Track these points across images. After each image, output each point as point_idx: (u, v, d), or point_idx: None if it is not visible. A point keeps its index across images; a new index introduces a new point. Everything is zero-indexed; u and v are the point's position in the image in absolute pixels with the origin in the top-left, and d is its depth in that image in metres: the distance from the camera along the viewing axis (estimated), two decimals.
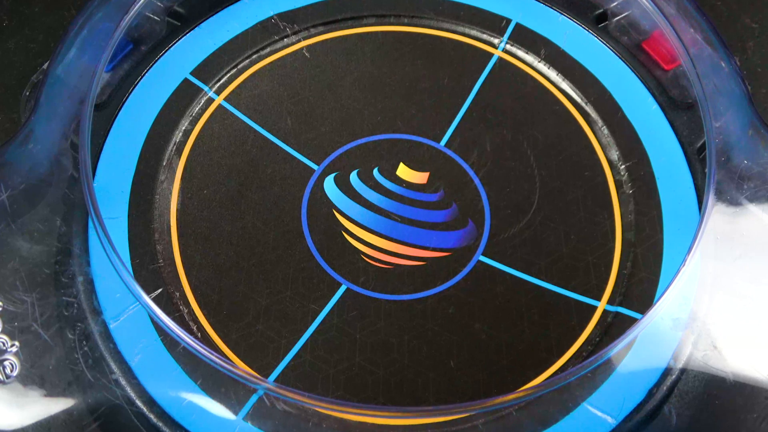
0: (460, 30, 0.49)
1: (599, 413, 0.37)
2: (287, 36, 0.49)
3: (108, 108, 0.45)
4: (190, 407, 0.36)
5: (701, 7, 0.46)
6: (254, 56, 0.48)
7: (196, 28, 0.48)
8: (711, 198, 0.38)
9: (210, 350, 0.33)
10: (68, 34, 0.43)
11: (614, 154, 0.45)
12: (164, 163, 0.44)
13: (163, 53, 0.47)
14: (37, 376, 0.35)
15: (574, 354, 0.40)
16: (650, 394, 0.37)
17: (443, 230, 0.43)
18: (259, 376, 0.37)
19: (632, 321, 0.40)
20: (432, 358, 0.39)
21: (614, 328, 0.40)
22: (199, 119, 0.46)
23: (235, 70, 0.47)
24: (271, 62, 0.48)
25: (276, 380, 0.38)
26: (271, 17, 0.49)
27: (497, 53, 0.48)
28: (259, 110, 0.47)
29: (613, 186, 0.44)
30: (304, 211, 0.43)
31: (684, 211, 0.43)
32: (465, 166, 0.44)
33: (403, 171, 0.45)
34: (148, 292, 0.35)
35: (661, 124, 0.46)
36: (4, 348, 0.35)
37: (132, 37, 0.46)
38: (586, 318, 0.41)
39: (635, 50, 0.48)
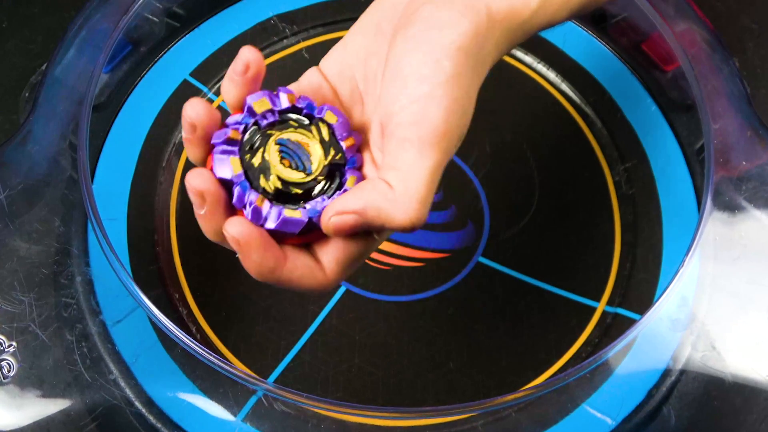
0: None
1: (598, 414, 0.37)
2: (286, 37, 0.49)
3: (107, 109, 0.45)
4: (188, 408, 0.36)
5: (701, 7, 0.46)
6: None
7: (196, 29, 0.48)
8: (710, 199, 0.38)
9: (209, 351, 0.33)
10: (67, 35, 0.43)
11: (614, 155, 0.45)
12: (163, 164, 0.44)
13: (162, 54, 0.47)
14: (35, 376, 0.35)
15: (574, 355, 0.40)
16: (649, 395, 0.37)
17: (442, 231, 0.43)
18: (258, 377, 0.37)
19: (631, 322, 0.40)
20: (431, 359, 0.39)
21: (613, 329, 0.40)
22: None
23: None
24: (271, 63, 0.48)
25: (275, 381, 0.38)
26: (271, 18, 0.49)
27: None
28: None
29: (613, 187, 0.44)
30: None
31: (683, 212, 0.43)
32: (464, 167, 0.44)
33: None
34: (147, 293, 0.34)
35: (660, 125, 0.46)
36: (2, 348, 0.35)
37: (131, 38, 0.46)
38: (586, 319, 0.41)
39: (634, 51, 0.48)
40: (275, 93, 0.29)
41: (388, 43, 0.29)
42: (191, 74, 0.47)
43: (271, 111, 0.28)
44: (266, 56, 0.48)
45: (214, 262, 0.41)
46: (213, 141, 0.28)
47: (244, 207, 0.27)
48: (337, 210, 0.27)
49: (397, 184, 0.26)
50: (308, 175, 0.28)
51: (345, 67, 0.31)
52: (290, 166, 0.28)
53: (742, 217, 0.40)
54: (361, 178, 0.29)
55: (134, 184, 0.43)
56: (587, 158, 0.45)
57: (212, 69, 0.47)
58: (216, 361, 0.33)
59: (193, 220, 0.43)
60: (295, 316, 0.40)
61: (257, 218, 0.27)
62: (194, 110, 0.27)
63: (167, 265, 0.41)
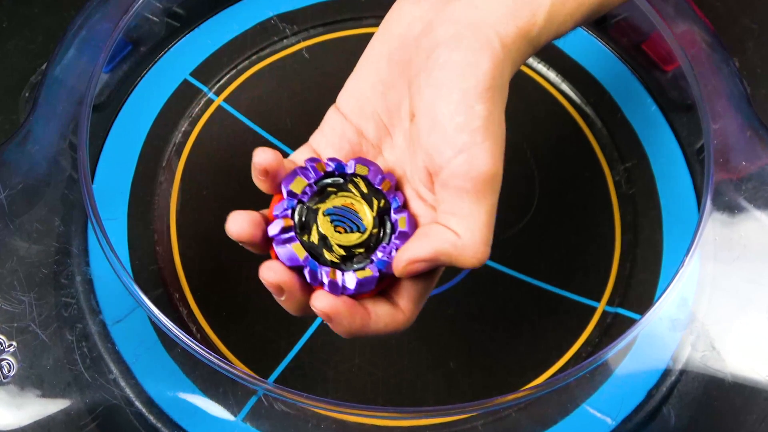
0: None
1: (598, 414, 0.37)
2: (287, 37, 0.49)
3: (107, 109, 0.45)
4: (188, 408, 0.36)
5: (701, 8, 0.46)
6: (254, 57, 0.48)
7: (196, 29, 0.48)
8: (710, 199, 0.38)
9: (209, 351, 0.33)
10: (66, 35, 0.43)
11: (614, 155, 0.45)
12: (164, 164, 0.44)
13: (163, 54, 0.47)
14: (35, 376, 0.35)
15: (574, 355, 0.40)
16: (649, 395, 0.37)
17: None
18: (258, 377, 0.37)
19: (631, 322, 0.40)
20: (432, 359, 0.39)
21: (614, 329, 0.40)
22: (198, 120, 0.46)
23: (234, 70, 0.47)
24: (271, 63, 0.48)
25: (275, 381, 0.38)
26: (271, 18, 0.49)
27: None
28: (259, 111, 0.47)
29: (613, 187, 0.44)
30: None
31: (683, 212, 0.43)
32: None
33: None
34: (147, 293, 0.34)
35: (660, 125, 0.46)
36: (2, 348, 0.35)
37: (131, 37, 0.46)
38: (586, 319, 0.41)
39: (634, 51, 0.48)
40: (305, 167, 0.31)
41: (404, 76, 0.30)
42: (191, 74, 0.47)
43: (309, 185, 0.30)
44: (266, 56, 0.48)
45: (214, 262, 0.41)
46: (270, 234, 0.30)
47: (321, 283, 0.29)
48: (410, 259, 0.29)
49: (464, 232, 0.28)
50: (363, 232, 0.30)
51: (364, 102, 0.32)
52: (345, 231, 0.30)
53: (742, 217, 0.40)
54: (410, 215, 0.31)
55: (134, 184, 0.43)
56: (587, 158, 0.45)
57: (212, 69, 0.47)
58: (216, 361, 0.33)
59: (193, 220, 0.43)
60: (295, 316, 0.40)
61: (335, 290, 0.29)
62: (237, 225, 0.29)
63: (167, 265, 0.41)
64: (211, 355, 0.33)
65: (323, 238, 0.30)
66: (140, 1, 0.43)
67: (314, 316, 0.30)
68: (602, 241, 0.43)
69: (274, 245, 0.29)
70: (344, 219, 0.30)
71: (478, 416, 0.37)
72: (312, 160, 0.31)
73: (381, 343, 0.40)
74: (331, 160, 0.31)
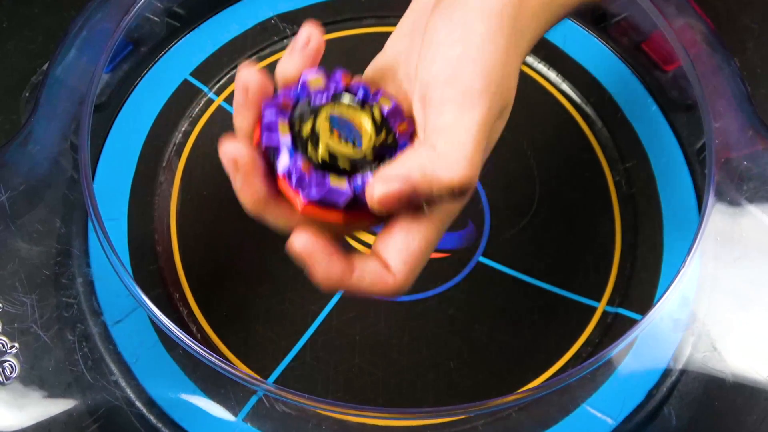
0: None
1: (599, 414, 0.37)
2: (287, 37, 0.49)
3: (108, 109, 0.45)
4: (189, 408, 0.36)
5: (701, 7, 0.46)
6: (254, 57, 0.48)
7: (196, 29, 0.48)
8: (711, 199, 0.38)
9: (209, 351, 0.33)
10: (67, 35, 0.43)
11: (614, 155, 0.45)
12: (164, 164, 0.44)
13: (163, 54, 0.47)
14: (36, 377, 0.35)
15: (574, 355, 0.40)
16: (650, 395, 0.37)
17: None
18: (258, 377, 0.37)
19: (632, 322, 0.40)
20: (432, 359, 0.39)
21: (614, 329, 0.40)
22: (198, 120, 0.46)
23: (234, 71, 0.47)
24: (271, 63, 0.48)
25: (275, 381, 0.38)
26: (271, 18, 0.49)
27: None
28: None
29: (613, 187, 0.44)
30: None
31: (684, 212, 0.43)
32: None
33: None
34: (147, 293, 0.35)
35: (660, 125, 0.46)
36: (4, 349, 0.35)
37: (131, 38, 0.46)
38: (586, 319, 0.41)
39: (635, 51, 0.48)
40: (332, 75, 0.28)
41: (420, 40, 0.29)
42: (191, 74, 0.47)
43: (325, 92, 0.28)
44: (266, 56, 0.48)
45: (214, 262, 0.41)
46: (263, 107, 0.27)
47: (289, 175, 0.26)
48: (381, 178, 0.25)
49: (442, 145, 0.25)
50: (358, 150, 0.27)
51: (387, 70, 0.30)
52: (340, 138, 0.27)
53: (743, 216, 0.40)
54: None
55: (134, 184, 0.43)
56: (587, 158, 0.45)
57: (212, 69, 0.47)
58: (216, 361, 0.33)
59: (193, 220, 0.43)
60: (295, 316, 0.40)
61: (301, 184, 0.26)
62: (249, 73, 0.27)
63: (167, 265, 0.41)
64: (211, 355, 0.33)
65: (315, 135, 0.27)
66: (141, 2, 0.43)
67: (281, 233, 0.27)
68: (602, 241, 0.43)
69: (263, 115, 0.27)
70: (344, 129, 0.27)
71: (478, 416, 0.37)
72: (342, 69, 0.28)
73: (381, 343, 0.40)
74: (358, 84, 0.29)
